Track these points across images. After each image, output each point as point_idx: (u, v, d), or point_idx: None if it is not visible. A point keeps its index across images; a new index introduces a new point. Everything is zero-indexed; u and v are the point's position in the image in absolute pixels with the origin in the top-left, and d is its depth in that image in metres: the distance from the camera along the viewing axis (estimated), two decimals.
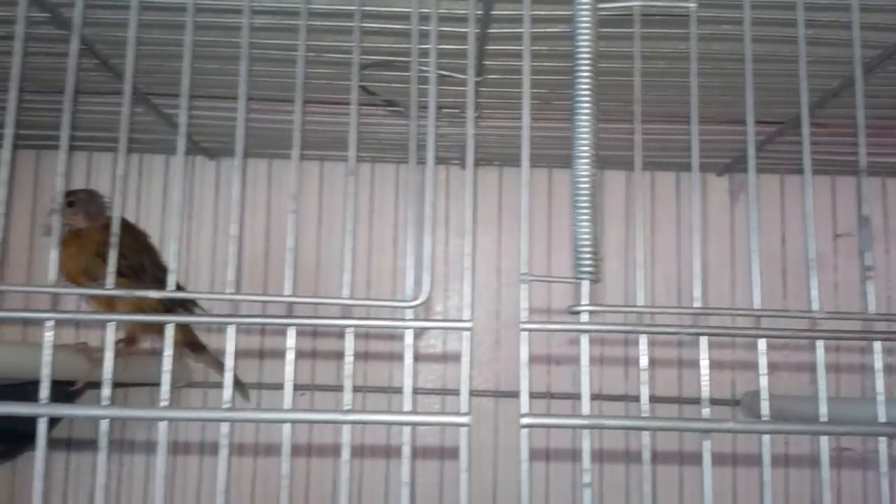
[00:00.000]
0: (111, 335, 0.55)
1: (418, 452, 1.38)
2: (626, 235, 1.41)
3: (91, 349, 1.09)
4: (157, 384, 1.29)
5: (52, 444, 1.36)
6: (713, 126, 1.21)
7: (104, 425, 0.54)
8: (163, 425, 0.54)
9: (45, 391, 0.55)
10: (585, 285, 0.57)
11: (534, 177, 1.45)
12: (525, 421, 0.55)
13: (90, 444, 1.38)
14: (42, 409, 0.54)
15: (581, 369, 0.56)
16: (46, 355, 0.55)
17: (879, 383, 0.57)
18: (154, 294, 0.55)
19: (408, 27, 0.85)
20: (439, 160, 1.43)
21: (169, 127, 1.21)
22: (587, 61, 0.58)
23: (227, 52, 0.95)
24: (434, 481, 1.37)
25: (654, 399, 1.38)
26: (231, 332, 0.56)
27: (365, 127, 1.24)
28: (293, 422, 0.55)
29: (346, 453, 0.56)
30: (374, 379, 1.40)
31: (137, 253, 1.16)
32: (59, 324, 0.56)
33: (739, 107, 1.11)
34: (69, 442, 1.38)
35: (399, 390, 1.39)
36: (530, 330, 0.57)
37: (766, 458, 0.56)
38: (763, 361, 0.59)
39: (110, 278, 0.56)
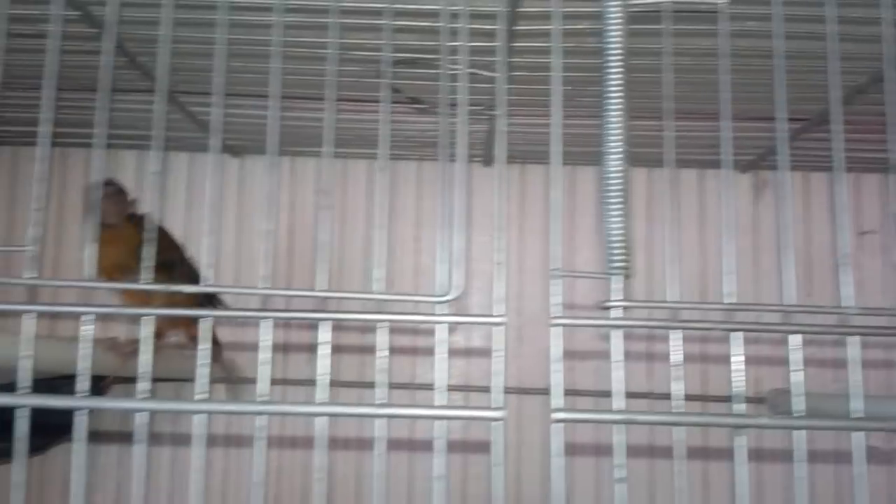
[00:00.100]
0: (147, 330, 0.56)
1: (416, 445, 1.38)
2: (647, 232, 1.40)
3: (122, 344, 1.10)
4: (183, 379, 1.31)
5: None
6: (736, 123, 1.20)
7: (142, 418, 0.55)
8: (200, 418, 0.55)
9: (83, 384, 0.55)
10: (617, 280, 0.57)
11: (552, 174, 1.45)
12: (558, 416, 0.55)
13: (116, 437, 1.39)
14: (81, 402, 0.55)
15: (612, 365, 0.57)
16: (84, 349, 0.55)
17: None
18: (191, 289, 0.55)
19: (433, 24, 0.85)
20: (451, 156, 1.43)
21: (194, 124, 1.22)
22: (617, 58, 0.58)
23: (252, 50, 0.96)
24: (457, 477, 1.38)
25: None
26: (266, 326, 0.56)
27: (395, 125, 1.24)
28: (328, 415, 0.56)
29: (380, 447, 0.57)
30: (396, 375, 1.40)
31: (169, 249, 1.17)
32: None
33: (763, 103, 1.11)
34: (96, 435, 1.39)
35: (420, 386, 1.39)
36: (562, 325, 0.57)
37: (800, 454, 0.56)
38: (796, 357, 0.59)
39: (146, 273, 0.57)
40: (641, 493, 1.37)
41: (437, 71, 0.98)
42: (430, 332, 1.43)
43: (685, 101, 1.12)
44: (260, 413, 0.55)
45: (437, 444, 0.57)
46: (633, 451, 1.37)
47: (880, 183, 1.44)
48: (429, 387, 1.40)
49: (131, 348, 1.09)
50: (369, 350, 1.40)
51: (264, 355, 0.56)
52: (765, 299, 1.36)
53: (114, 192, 1.14)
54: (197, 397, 0.55)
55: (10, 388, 0.56)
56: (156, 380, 1.29)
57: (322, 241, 0.59)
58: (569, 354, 1.40)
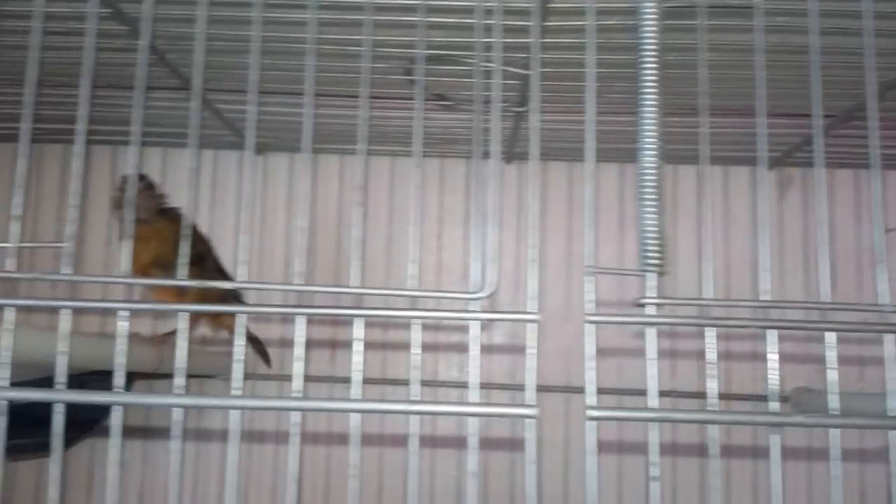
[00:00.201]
0: (184, 325, 0.56)
1: (461, 443, 1.38)
2: (671, 229, 1.40)
3: (159, 339, 1.11)
4: (207, 375, 1.31)
5: (105, 431, 1.38)
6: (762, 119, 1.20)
7: (178, 414, 0.55)
8: (235, 414, 0.55)
9: (120, 380, 0.56)
10: (652, 278, 0.57)
11: (579, 171, 1.45)
12: (592, 413, 0.55)
13: (142, 432, 1.40)
14: (119, 398, 0.55)
15: (647, 362, 0.56)
16: (121, 345, 0.56)
17: None
18: (230, 285, 0.56)
19: (463, 21, 0.85)
20: (484, 154, 1.43)
21: (219, 121, 1.23)
22: (652, 54, 0.58)
23: (278, 47, 0.96)
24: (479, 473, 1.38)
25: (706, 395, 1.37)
26: (301, 322, 0.57)
27: (411, 121, 1.24)
28: (362, 412, 0.56)
29: (414, 444, 0.57)
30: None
31: (199, 243, 1.18)
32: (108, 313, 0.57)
33: (788, 100, 1.10)
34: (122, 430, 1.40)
35: (444, 383, 1.40)
36: (596, 322, 0.57)
37: (835, 453, 0.56)
38: (831, 355, 0.58)
39: (183, 269, 0.57)
40: (692, 492, 1.37)
41: (464, 68, 0.98)
42: (451, 329, 1.44)
43: (711, 98, 1.11)
44: (296, 409, 0.55)
45: (470, 442, 0.57)
46: (684, 450, 1.37)
47: None
48: (448, 384, 1.41)
49: (166, 342, 1.09)
50: (374, 346, 1.40)
51: (299, 351, 0.57)
52: (789, 297, 1.35)
53: (145, 186, 1.14)
54: (233, 393, 0.56)
55: (35, 383, 0.57)
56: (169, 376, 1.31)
57: (355, 238, 0.59)
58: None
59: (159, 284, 0.55)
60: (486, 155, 0.62)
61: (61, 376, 0.56)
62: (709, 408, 0.56)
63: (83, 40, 0.93)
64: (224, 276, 1.22)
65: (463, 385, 1.41)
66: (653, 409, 0.56)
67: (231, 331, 1.24)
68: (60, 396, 0.55)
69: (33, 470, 1.40)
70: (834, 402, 0.58)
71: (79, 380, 0.92)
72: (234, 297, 1.10)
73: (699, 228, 1.39)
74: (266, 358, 1.33)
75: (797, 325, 0.57)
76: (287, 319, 1.37)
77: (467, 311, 0.57)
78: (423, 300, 0.59)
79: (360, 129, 0.61)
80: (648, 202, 0.57)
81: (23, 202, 0.59)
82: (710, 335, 0.58)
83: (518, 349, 1.41)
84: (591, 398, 0.56)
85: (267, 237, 1.42)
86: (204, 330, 1.18)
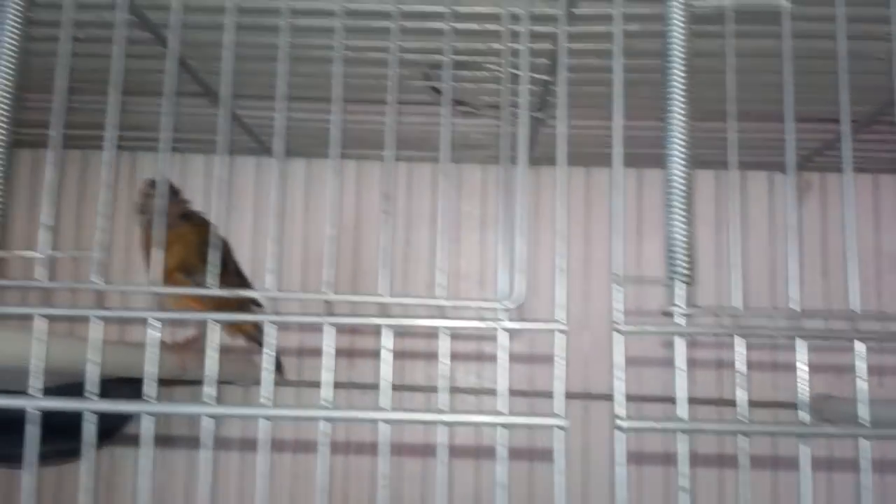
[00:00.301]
0: (215, 334, 0.56)
1: (482, 453, 1.38)
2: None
3: (179, 346, 1.11)
4: (226, 382, 1.31)
5: (125, 439, 1.39)
6: (780, 124, 1.19)
7: (207, 423, 0.55)
8: (263, 423, 0.55)
9: (150, 389, 0.56)
10: (680, 287, 0.57)
11: (597, 177, 1.45)
12: (622, 424, 0.55)
13: (160, 441, 1.40)
14: (149, 407, 0.55)
15: (676, 372, 0.56)
16: (151, 354, 0.56)
17: None
18: (258, 294, 0.56)
19: (483, 27, 0.85)
20: (498, 160, 1.43)
21: (239, 127, 1.23)
22: (680, 60, 0.58)
23: (298, 54, 0.96)
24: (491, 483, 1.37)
25: (722, 402, 1.36)
26: (329, 332, 0.57)
27: (431, 127, 1.24)
28: (391, 421, 0.56)
29: (442, 454, 0.57)
30: (436, 379, 1.40)
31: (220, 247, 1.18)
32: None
33: (809, 104, 1.09)
34: (138, 438, 1.41)
35: (461, 390, 1.39)
36: (624, 332, 0.56)
37: (866, 464, 0.56)
38: (861, 365, 0.58)
39: (212, 277, 0.57)
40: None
41: (485, 73, 0.98)
42: (467, 337, 1.43)
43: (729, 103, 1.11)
44: (326, 419, 0.55)
45: (500, 452, 0.57)
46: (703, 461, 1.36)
47: None
48: (465, 391, 1.40)
49: (187, 349, 1.10)
50: (398, 354, 1.40)
51: (328, 361, 0.57)
52: (808, 303, 1.34)
53: (174, 190, 1.14)
54: (262, 401, 0.56)
55: (59, 390, 0.57)
56: (192, 382, 1.31)
57: (383, 247, 0.59)
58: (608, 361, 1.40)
59: (190, 294, 0.55)
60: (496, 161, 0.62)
61: (92, 385, 0.56)
62: (739, 418, 0.56)
63: (106, 47, 0.94)
64: (243, 279, 1.23)
65: (480, 392, 1.41)
66: (682, 420, 0.55)
67: (248, 337, 1.25)
68: (92, 406, 0.55)
69: (53, 477, 1.40)
70: (864, 412, 0.57)
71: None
72: (253, 303, 1.10)
73: (717, 235, 1.38)
74: (279, 366, 1.33)
75: (828, 334, 0.57)
76: (304, 328, 1.37)
77: (495, 321, 0.57)
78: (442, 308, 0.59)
79: (387, 137, 0.61)
80: (677, 210, 0.57)
81: (53, 211, 0.59)
82: (739, 344, 0.57)
83: (535, 357, 1.40)
84: (619, 408, 0.56)
85: (284, 243, 1.42)
86: (221, 336, 1.18)
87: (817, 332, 0.56)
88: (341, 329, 1.37)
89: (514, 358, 1.46)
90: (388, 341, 0.56)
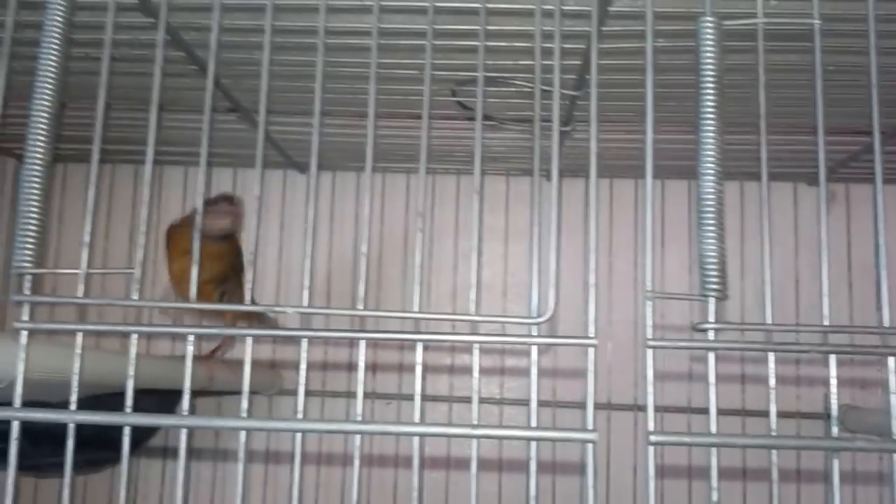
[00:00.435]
0: (249, 349, 0.57)
1: (504, 465, 1.38)
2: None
3: (205, 357, 1.12)
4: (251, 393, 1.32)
5: (150, 451, 1.40)
6: (803, 136, 1.20)
7: (243, 437, 0.56)
8: (298, 436, 0.56)
9: (186, 403, 0.57)
10: (712, 302, 0.57)
11: (620, 189, 1.45)
12: (654, 438, 0.55)
13: (159, 451, 1.42)
14: (183, 421, 0.56)
15: (708, 388, 0.56)
16: (188, 367, 0.57)
17: None
18: (293, 310, 0.56)
19: (511, 45, 0.86)
20: (524, 172, 1.44)
21: (266, 142, 1.24)
22: (712, 76, 0.58)
23: (328, 72, 0.98)
24: (519, 495, 1.38)
25: (744, 413, 1.36)
26: (363, 346, 0.57)
27: (455, 140, 1.25)
28: (425, 435, 0.56)
29: (474, 466, 0.57)
30: (460, 390, 1.41)
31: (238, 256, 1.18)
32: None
33: (832, 117, 1.09)
34: (165, 450, 1.42)
35: (485, 400, 1.39)
36: (656, 347, 0.57)
37: None
38: (893, 380, 0.58)
39: (248, 294, 0.58)
40: None
41: (512, 89, 0.99)
42: (497, 351, 1.42)
43: (753, 116, 1.11)
44: (359, 433, 0.55)
45: (530, 466, 0.57)
46: (682, 472, 1.36)
47: None
48: (489, 401, 1.41)
49: (213, 360, 1.11)
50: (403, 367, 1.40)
51: (361, 375, 0.57)
52: (834, 316, 1.33)
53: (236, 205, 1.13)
54: (298, 416, 0.56)
55: (83, 403, 0.57)
56: (215, 393, 1.31)
57: (418, 263, 0.60)
58: (631, 372, 1.40)
59: (226, 309, 0.56)
60: (512, 173, 0.63)
61: (129, 399, 0.57)
62: (772, 432, 0.56)
63: (136, 65, 0.96)
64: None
65: (502, 403, 1.41)
66: (713, 434, 0.56)
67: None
68: (130, 420, 0.56)
69: (78, 488, 1.42)
70: None
71: (113, 399, 0.93)
72: (258, 317, 1.09)
73: (741, 246, 1.38)
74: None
75: (860, 350, 0.57)
76: (328, 342, 1.38)
77: (527, 336, 0.58)
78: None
79: (422, 155, 0.62)
80: (709, 225, 0.57)
81: (95, 227, 0.61)
82: (771, 359, 0.57)
83: (557, 370, 1.41)
84: (651, 422, 0.56)
85: (308, 256, 1.43)
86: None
87: (849, 347, 0.56)
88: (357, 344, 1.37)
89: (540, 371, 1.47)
90: (419, 356, 0.57)
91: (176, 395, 1.21)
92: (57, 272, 0.61)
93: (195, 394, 1.26)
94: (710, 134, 0.58)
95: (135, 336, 0.57)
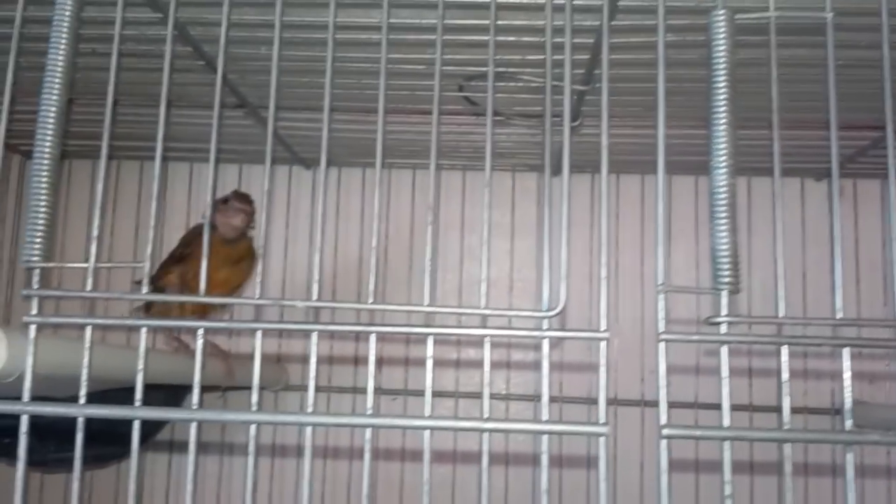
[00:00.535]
0: (259, 342, 0.57)
1: (511, 459, 1.38)
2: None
3: (226, 354, 1.12)
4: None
5: (157, 445, 1.40)
6: (811, 131, 1.19)
7: (253, 430, 0.56)
8: (308, 430, 0.56)
9: (196, 397, 0.57)
10: (725, 296, 0.57)
11: (626, 184, 1.44)
12: (666, 432, 0.55)
13: (165, 446, 1.42)
14: (196, 415, 0.56)
15: (721, 381, 0.56)
16: (199, 362, 0.57)
17: None
18: (303, 304, 0.56)
19: (519, 40, 0.86)
20: (530, 168, 1.44)
21: (274, 139, 1.24)
22: (724, 71, 0.58)
23: (335, 67, 0.97)
24: (524, 488, 1.38)
25: (752, 408, 1.36)
26: (373, 340, 0.57)
27: (461, 136, 1.25)
28: (435, 428, 0.56)
29: (485, 460, 0.57)
30: (465, 385, 1.41)
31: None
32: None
33: (840, 112, 1.09)
34: (171, 444, 1.42)
35: (493, 395, 1.40)
36: (669, 340, 0.56)
37: None
38: None
39: (258, 289, 0.58)
40: None
41: (517, 84, 0.98)
42: (504, 345, 1.42)
43: (760, 111, 1.11)
44: (369, 426, 0.55)
45: (542, 459, 0.57)
46: (689, 466, 1.36)
47: None
48: (496, 396, 1.41)
49: (229, 355, 1.11)
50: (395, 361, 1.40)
51: (371, 369, 0.57)
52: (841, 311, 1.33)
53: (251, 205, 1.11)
54: (308, 409, 0.56)
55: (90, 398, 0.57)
56: (237, 388, 1.31)
57: (428, 257, 0.60)
58: (637, 368, 1.39)
59: (237, 303, 0.56)
60: (530, 169, 0.63)
61: (139, 393, 0.57)
62: (786, 426, 0.56)
63: (142, 61, 0.96)
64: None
65: (509, 399, 1.41)
66: (726, 428, 0.55)
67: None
68: (139, 413, 0.56)
69: (84, 483, 1.42)
70: None
71: (117, 395, 0.93)
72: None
73: (748, 241, 1.37)
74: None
75: (875, 343, 0.57)
76: (336, 336, 1.38)
77: (539, 330, 0.58)
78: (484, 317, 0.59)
79: (432, 148, 0.61)
80: (721, 219, 0.57)
81: (99, 223, 0.60)
82: (784, 353, 0.57)
83: (564, 364, 1.40)
84: (664, 416, 0.56)
85: (315, 252, 1.43)
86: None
87: (864, 341, 0.56)
88: (365, 337, 1.38)
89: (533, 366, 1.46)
90: (430, 349, 0.57)
91: (181, 390, 1.22)
92: (66, 265, 0.60)
93: (203, 389, 1.27)
94: (723, 128, 0.57)
95: (144, 330, 0.57)
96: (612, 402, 1.39)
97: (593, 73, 0.91)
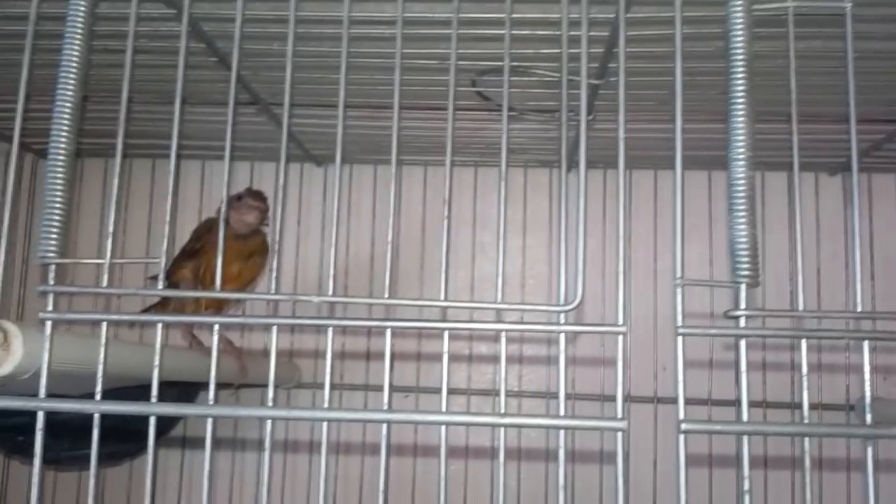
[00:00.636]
0: (275, 338, 0.57)
1: (523, 454, 1.38)
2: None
3: (239, 350, 1.12)
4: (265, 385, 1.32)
5: (169, 442, 1.41)
6: (824, 125, 1.18)
7: (269, 426, 0.56)
8: (324, 426, 0.56)
9: (212, 393, 0.57)
10: (743, 289, 0.56)
11: (639, 179, 1.44)
12: (684, 427, 0.54)
13: (205, 443, 1.42)
14: (211, 410, 0.56)
15: (740, 375, 0.56)
16: (214, 358, 0.57)
17: None
18: (319, 299, 0.56)
19: (533, 33, 0.86)
20: (542, 163, 1.43)
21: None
22: (743, 62, 0.57)
23: (349, 62, 0.97)
24: (536, 483, 1.37)
25: (765, 405, 1.35)
26: (388, 336, 0.57)
27: (473, 131, 1.25)
28: (450, 423, 0.56)
29: (501, 456, 0.57)
30: (477, 382, 1.41)
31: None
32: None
33: (857, 105, 1.08)
34: (183, 441, 1.43)
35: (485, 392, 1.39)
36: (686, 334, 0.56)
37: None
38: None
39: (273, 284, 0.58)
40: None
41: (531, 78, 0.98)
42: (516, 340, 1.42)
43: (774, 105, 1.10)
44: (385, 421, 0.55)
45: (560, 454, 0.57)
46: (702, 461, 1.35)
47: None
48: (509, 393, 1.41)
49: (242, 353, 1.11)
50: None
51: (388, 364, 0.57)
52: (854, 306, 1.32)
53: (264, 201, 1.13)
54: (325, 405, 0.56)
55: (113, 394, 0.57)
56: (249, 386, 1.31)
57: (443, 252, 0.60)
58: (649, 363, 1.39)
59: (253, 299, 0.56)
60: (542, 164, 0.62)
61: (155, 389, 0.57)
62: (805, 420, 0.56)
63: (154, 57, 0.95)
64: None
65: (521, 395, 1.41)
66: (745, 423, 0.55)
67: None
68: (156, 410, 0.56)
69: (97, 481, 1.42)
70: None
71: (129, 393, 0.93)
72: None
73: (763, 236, 1.37)
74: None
75: (891, 336, 0.56)
76: (347, 332, 1.38)
77: (556, 324, 0.57)
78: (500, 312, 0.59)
79: (448, 143, 0.61)
80: (740, 212, 0.56)
81: (115, 219, 0.60)
82: (805, 347, 0.57)
83: (579, 359, 1.40)
84: (682, 410, 0.55)
85: (327, 248, 1.44)
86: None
87: (885, 334, 0.56)
88: (377, 333, 1.38)
89: (555, 360, 1.46)
90: (446, 344, 0.57)
91: (193, 387, 1.22)
92: (81, 262, 0.60)
93: (217, 386, 1.27)
94: (742, 120, 0.57)
95: (160, 326, 0.57)
96: (625, 398, 1.39)
97: (607, 67, 0.90)
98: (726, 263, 1.41)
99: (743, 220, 0.56)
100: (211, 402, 0.57)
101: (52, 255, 0.56)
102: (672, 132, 1.16)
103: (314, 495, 1.39)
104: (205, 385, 1.24)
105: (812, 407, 1.33)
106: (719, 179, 1.39)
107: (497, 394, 1.38)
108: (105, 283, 0.58)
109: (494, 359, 1.42)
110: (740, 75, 0.57)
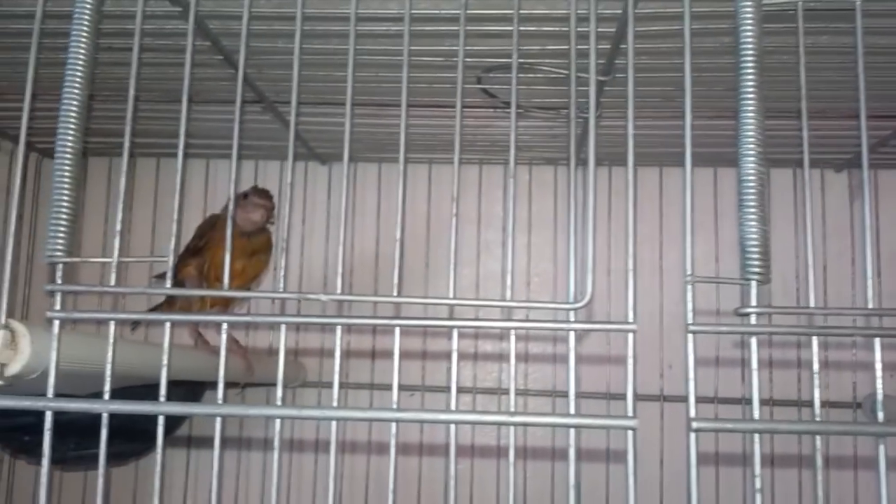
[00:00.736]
0: (283, 337, 0.57)
1: (528, 453, 1.38)
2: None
3: (244, 349, 1.12)
4: (272, 384, 1.32)
5: (174, 441, 1.41)
6: (831, 121, 1.18)
7: (279, 425, 0.56)
8: (333, 425, 0.56)
9: (221, 392, 0.56)
10: (754, 286, 0.56)
11: (645, 176, 1.43)
12: (695, 425, 0.54)
13: (210, 442, 1.42)
14: (219, 409, 0.56)
15: (752, 373, 0.55)
16: (223, 357, 0.56)
17: None
18: (332, 298, 0.56)
19: (540, 29, 0.85)
20: (547, 161, 1.43)
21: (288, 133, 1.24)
22: (753, 57, 0.57)
23: (356, 60, 0.97)
24: (544, 483, 1.37)
25: (772, 402, 1.35)
26: (397, 334, 0.57)
27: (478, 129, 1.24)
28: (458, 422, 0.56)
29: (512, 454, 0.57)
30: (483, 380, 1.41)
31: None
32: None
33: (858, 101, 1.08)
34: (189, 440, 1.42)
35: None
36: (697, 332, 0.56)
37: None
38: None
39: (281, 282, 0.58)
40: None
41: (537, 75, 0.98)
42: (522, 339, 1.41)
43: (781, 101, 1.10)
44: (392, 420, 0.55)
45: (570, 453, 0.56)
46: (709, 459, 1.35)
47: None
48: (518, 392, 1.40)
49: (247, 352, 1.11)
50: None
51: (397, 363, 0.57)
52: (860, 303, 1.32)
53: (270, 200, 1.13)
54: (334, 404, 0.56)
55: (119, 393, 0.57)
56: (256, 385, 1.31)
57: (452, 250, 0.59)
58: (656, 362, 1.39)
59: (260, 297, 0.55)
60: (547, 162, 0.62)
61: (164, 388, 0.57)
62: (817, 418, 0.55)
63: (159, 55, 0.95)
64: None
65: (527, 394, 1.41)
66: (757, 420, 0.55)
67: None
68: (164, 409, 0.56)
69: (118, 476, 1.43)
70: None
71: (135, 392, 0.93)
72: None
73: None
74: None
75: None
76: (352, 330, 1.37)
77: (566, 322, 0.57)
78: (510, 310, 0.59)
79: (456, 140, 0.61)
80: (751, 208, 0.56)
81: (122, 218, 0.60)
82: (815, 343, 0.56)
83: (584, 358, 1.40)
84: (693, 408, 0.55)
85: (332, 246, 1.43)
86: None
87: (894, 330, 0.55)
88: (382, 332, 1.38)
89: (560, 358, 1.46)
90: (454, 342, 0.56)
91: (199, 387, 1.22)
92: (89, 260, 0.60)
93: (226, 385, 1.27)
94: (752, 115, 0.57)
95: (168, 325, 0.57)
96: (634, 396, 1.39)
97: (614, 63, 0.90)
98: (732, 260, 1.42)
99: (754, 216, 0.56)
100: (220, 402, 0.57)
101: (59, 254, 0.56)
102: (677, 129, 1.15)
103: (320, 494, 1.39)
104: (210, 384, 1.25)
105: (820, 405, 1.33)
106: (725, 176, 1.38)
107: (502, 392, 1.39)
108: (113, 281, 0.58)
109: (499, 357, 1.42)
110: (750, 71, 0.56)
